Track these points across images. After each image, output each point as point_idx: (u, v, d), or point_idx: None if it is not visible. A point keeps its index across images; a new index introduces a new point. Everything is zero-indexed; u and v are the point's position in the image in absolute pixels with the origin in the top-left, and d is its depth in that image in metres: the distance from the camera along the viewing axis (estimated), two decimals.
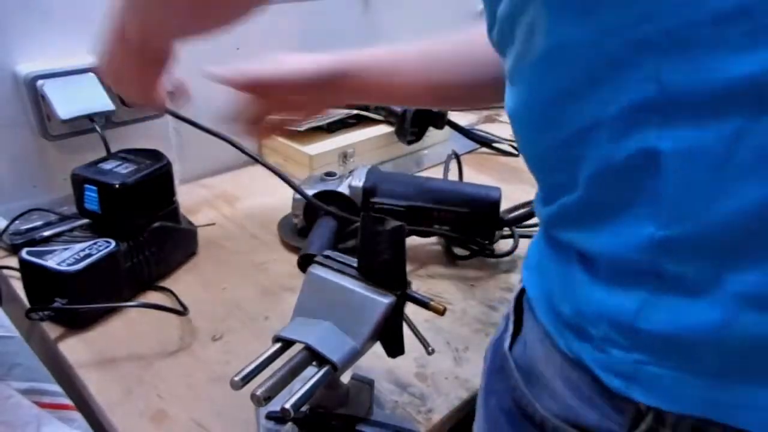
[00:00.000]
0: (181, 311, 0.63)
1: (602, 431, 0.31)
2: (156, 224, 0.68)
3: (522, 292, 0.39)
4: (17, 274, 0.63)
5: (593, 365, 0.31)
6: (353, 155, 0.98)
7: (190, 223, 0.77)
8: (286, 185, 0.73)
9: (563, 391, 0.33)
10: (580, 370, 0.32)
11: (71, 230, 0.66)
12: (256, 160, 0.74)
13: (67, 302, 0.59)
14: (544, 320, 0.34)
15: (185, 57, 0.88)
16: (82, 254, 0.60)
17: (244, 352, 0.59)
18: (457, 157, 0.92)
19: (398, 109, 1.01)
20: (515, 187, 0.95)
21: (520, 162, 0.98)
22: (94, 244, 0.62)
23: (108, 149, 0.75)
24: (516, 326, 0.39)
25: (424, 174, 0.97)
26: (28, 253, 0.60)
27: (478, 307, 0.68)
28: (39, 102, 0.73)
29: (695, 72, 0.24)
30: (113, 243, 0.63)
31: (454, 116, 1.12)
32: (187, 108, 0.91)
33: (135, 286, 0.67)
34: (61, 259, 0.59)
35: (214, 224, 0.83)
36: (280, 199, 0.75)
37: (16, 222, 0.73)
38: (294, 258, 0.76)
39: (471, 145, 1.08)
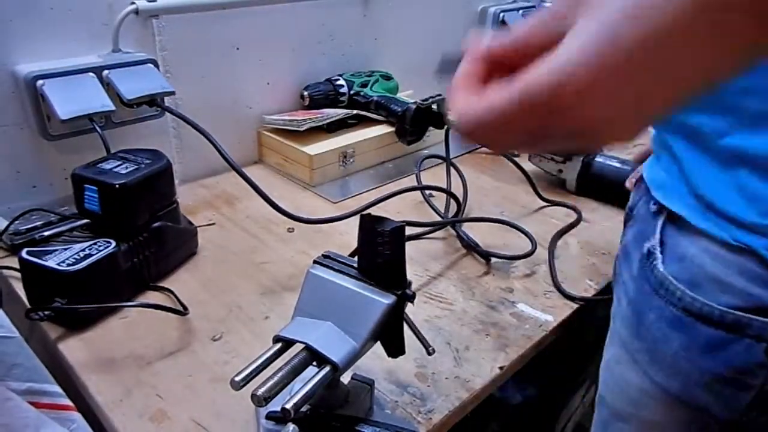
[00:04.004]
0: (182, 311, 0.63)
1: None
2: (156, 224, 0.68)
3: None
4: (17, 274, 0.63)
5: (762, 249, 0.37)
6: (353, 155, 0.98)
7: (189, 222, 0.77)
8: (286, 185, 0.73)
9: (744, 284, 0.38)
10: (752, 257, 0.37)
11: (71, 230, 0.66)
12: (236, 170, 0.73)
13: (67, 302, 0.59)
14: (709, 229, 0.40)
15: (185, 56, 0.88)
16: (82, 254, 0.60)
17: (244, 352, 0.59)
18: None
19: (398, 108, 1.01)
20: (515, 187, 0.95)
21: (519, 162, 0.98)
22: (94, 244, 0.62)
23: (108, 149, 0.75)
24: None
25: (423, 174, 0.97)
26: (28, 253, 0.60)
27: (478, 307, 0.68)
28: (39, 102, 0.73)
29: None
30: (113, 243, 0.63)
31: None
32: (188, 108, 0.91)
33: (135, 286, 0.67)
34: (61, 259, 0.59)
35: (214, 224, 0.83)
36: (280, 199, 0.75)
37: (16, 222, 0.72)
38: (294, 258, 0.76)
39: (471, 145, 1.08)
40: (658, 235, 0.45)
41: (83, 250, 0.61)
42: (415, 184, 0.88)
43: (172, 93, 0.82)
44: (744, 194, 0.39)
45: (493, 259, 0.76)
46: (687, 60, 0.23)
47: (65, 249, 0.61)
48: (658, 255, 0.44)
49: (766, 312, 0.38)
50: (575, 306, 0.68)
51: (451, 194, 0.86)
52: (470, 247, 0.77)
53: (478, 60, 0.30)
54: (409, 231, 0.66)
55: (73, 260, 0.59)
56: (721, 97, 0.37)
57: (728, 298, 0.39)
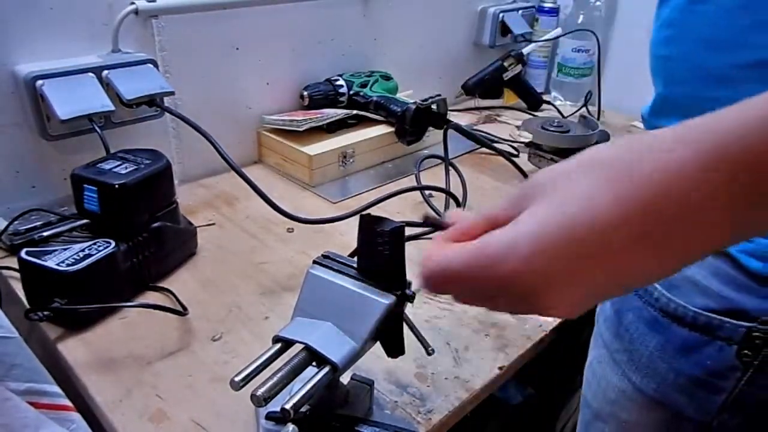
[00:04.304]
0: (181, 311, 0.63)
1: (761, 311, 0.36)
2: (155, 224, 0.67)
3: None
4: (17, 274, 0.63)
5: (737, 253, 0.36)
6: (353, 155, 0.98)
7: (189, 223, 0.77)
8: (286, 185, 0.73)
9: (718, 287, 0.38)
10: (733, 263, 0.37)
11: (70, 230, 0.66)
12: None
13: (67, 303, 0.59)
14: None
15: (185, 57, 0.88)
16: (81, 254, 0.60)
17: (244, 352, 0.59)
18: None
19: (398, 109, 1.01)
20: (515, 187, 0.95)
21: (519, 162, 0.98)
22: (94, 244, 0.62)
23: (107, 149, 0.75)
24: None
25: (423, 174, 0.97)
26: (28, 253, 0.60)
27: (478, 307, 0.68)
28: (38, 102, 0.73)
29: None
30: (112, 243, 0.63)
31: (454, 116, 1.12)
32: (188, 108, 0.91)
33: (134, 286, 0.67)
34: (60, 259, 0.59)
35: (213, 224, 0.83)
36: (280, 200, 0.75)
37: (15, 222, 0.72)
38: (293, 258, 0.76)
39: (471, 145, 1.08)
40: None
41: (83, 250, 0.61)
42: (415, 184, 0.88)
43: (172, 93, 0.82)
44: None
45: None
46: (636, 257, 0.24)
47: (64, 249, 0.61)
48: None
49: (737, 314, 0.38)
50: (568, 315, 0.68)
51: (450, 194, 0.86)
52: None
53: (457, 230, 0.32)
54: (409, 231, 0.66)
55: (73, 260, 0.59)
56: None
57: (702, 300, 0.39)
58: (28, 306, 0.61)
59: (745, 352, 0.38)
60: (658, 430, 0.45)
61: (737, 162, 0.22)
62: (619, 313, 0.46)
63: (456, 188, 0.89)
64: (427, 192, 0.89)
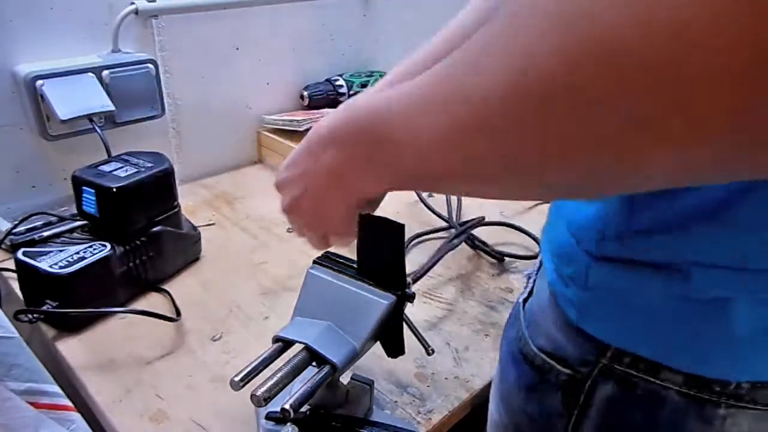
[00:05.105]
0: (172, 318, 0.62)
1: (578, 360, 0.36)
2: (155, 228, 0.67)
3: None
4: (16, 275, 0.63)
5: (559, 298, 0.37)
6: None
7: (193, 227, 0.75)
8: None
9: (554, 331, 0.38)
10: (560, 310, 0.37)
11: (71, 231, 0.66)
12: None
13: (58, 305, 0.58)
14: (547, 266, 0.40)
15: (185, 57, 0.88)
16: (76, 257, 0.60)
17: (244, 352, 0.59)
18: None
19: None
20: None
21: None
22: (90, 247, 0.62)
23: (107, 149, 0.75)
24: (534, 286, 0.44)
25: None
26: (24, 254, 0.60)
27: (478, 307, 0.68)
28: (38, 102, 0.73)
29: None
30: (108, 246, 0.62)
31: None
32: (188, 108, 0.91)
33: (131, 289, 0.66)
34: (54, 261, 0.59)
35: (213, 224, 0.83)
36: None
37: (15, 222, 0.72)
38: (293, 258, 0.76)
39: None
40: (538, 263, 0.45)
41: (78, 252, 0.61)
42: None
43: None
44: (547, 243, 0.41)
45: (492, 259, 0.76)
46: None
47: (60, 251, 0.61)
48: (530, 282, 0.44)
49: (562, 361, 0.37)
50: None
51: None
52: (479, 248, 0.77)
53: None
54: (409, 232, 0.66)
55: (66, 263, 0.59)
56: None
57: (544, 341, 0.39)
58: (26, 307, 0.61)
59: (568, 399, 0.38)
60: None
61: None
62: (504, 341, 0.46)
63: None
64: (426, 193, 0.89)
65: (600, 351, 0.35)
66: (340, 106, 0.35)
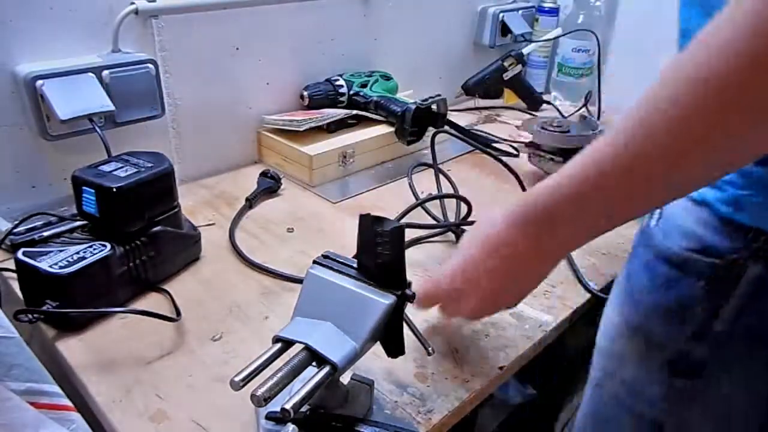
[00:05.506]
0: (172, 318, 0.62)
1: (728, 248, 0.43)
2: (155, 229, 0.67)
3: None
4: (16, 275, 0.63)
5: (713, 200, 0.44)
6: (353, 155, 0.98)
7: (193, 228, 0.75)
8: (286, 185, 0.73)
9: (695, 227, 0.45)
10: (706, 208, 0.44)
11: (71, 231, 0.66)
12: None
13: (58, 305, 0.58)
14: None
15: (185, 56, 0.88)
16: (75, 257, 0.60)
17: (244, 352, 0.59)
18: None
19: (398, 109, 1.01)
20: (515, 187, 0.95)
21: (519, 162, 0.98)
22: (90, 247, 0.62)
23: (108, 150, 0.75)
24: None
25: (415, 177, 0.97)
26: (24, 254, 0.60)
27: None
28: (38, 102, 0.73)
29: None
30: (108, 247, 0.62)
31: (454, 116, 1.12)
32: (188, 108, 0.91)
33: (131, 289, 0.66)
34: (53, 261, 0.59)
35: (213, 224, 0.83)
36: (281, 199, 0.75)
37: (16, 222, 0.72)
38: (293, 258, 0.76)
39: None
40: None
41: (78, 252, 0.61)
42: (417, 188, 0.87)
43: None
44: None
45: None
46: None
47: (60, 251, 0.61)
48: (654, 215, 0.51)
49: (709, 252, 0.44)
50: (575, 306, 0.68)
51: (463, 199, 0.84)
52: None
53: None
54: (409, 233, 0.66)
55: (66, 263, 0.59)
56: None
57: (686, 242, 0.46)
58: (26, 307, 0.61)
59: (712, 285, 0.44)
60: (635, 358, 0.51)
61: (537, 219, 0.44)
62: (629, 263, 0.53)
63: (450, 190, 0.89)
64: (422, 192, 0.89)
65: (754, 236, 0.42)
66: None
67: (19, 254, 0.60)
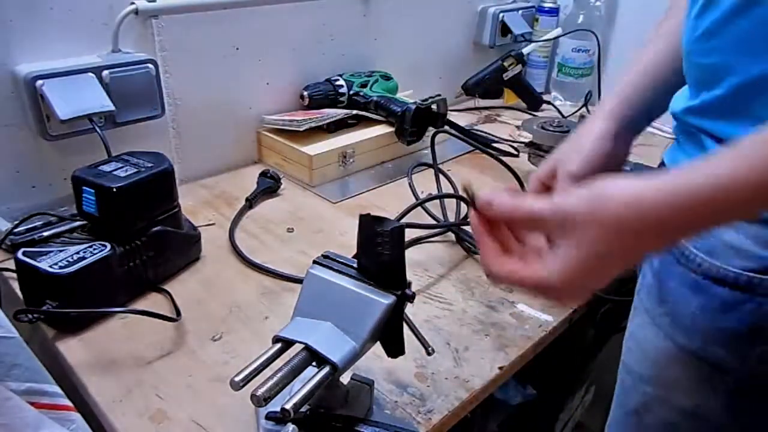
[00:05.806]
0: (173, 318, 0.62)
1: None
2: (155, 229, 0.67)
3: None
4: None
5: None
6: (353, 155, 0.98)
7: (193, 227, 0.75)
8: (286, 185, 0.73)
9: (752, 247, 0.43)
10: (766, 225, 0.42)
11: (71, 231, 0.66)
12: None
13: (58, 305, 0.58)
14: None
15: (185, 57, 0.88)
16: (76, 257, 0.60)
17: (244, 352, 0.59)
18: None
19: (398, 109, 1.01)
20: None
21: (519, 162, 0.98)
22: (90, 247, 0.62)
23: (108, 149, 0.75)
24: None
25: (415, 177, 0.97)
26: (24, 254, 0.60)
27: (478, 308, 0.68)
28: (38, 102, 0.73)
29: None
30: (108, 246, 0.62)
31: (454, 116, 1.12)
32: (188, 108, 0.91)
33: (131, 289, 0.66)
34: (54, 261, 0.59)
35: (213, 224, 0.83)
36: (281, 199, 0.75)
37: (16, 222, 0.72)
38: (293, 258, 0.76)
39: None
40: None
41: (78, 252, 0.61)
42: (417, 188, 0.87)
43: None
44: None
45: None
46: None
47: (60, 251, 0.61)
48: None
49: None
50: (575, 306, 0.68)
51: (463, 200, 0.84)
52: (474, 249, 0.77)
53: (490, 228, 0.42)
54: (409, 234, 0.66)
55: (66, 263, 0.59)
56: (751, 108, 0.42)
57: (742, 261, 0.44)
58: (26, 307, 0.61)
59: None
60: (701, 383, 0.49)
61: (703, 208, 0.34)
62: (660, 282, 0.51)
63: (450, 190, 0.89)
64: (421, 192, 0.89)
65: None
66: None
67: (19, 254, 0.60)
